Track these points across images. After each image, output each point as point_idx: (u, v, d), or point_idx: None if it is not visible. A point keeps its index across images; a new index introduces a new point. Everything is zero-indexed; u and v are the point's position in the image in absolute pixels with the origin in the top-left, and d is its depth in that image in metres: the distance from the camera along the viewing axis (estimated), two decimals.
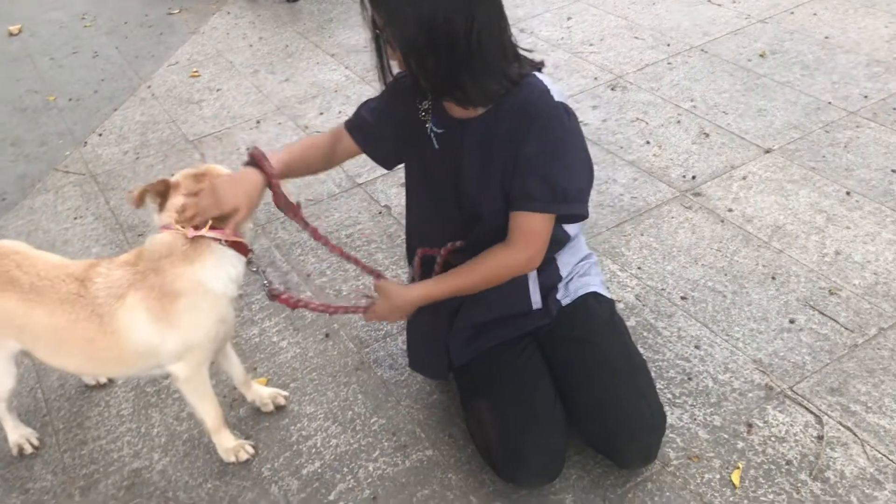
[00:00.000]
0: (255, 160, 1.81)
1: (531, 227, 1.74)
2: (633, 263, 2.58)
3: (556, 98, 1.68)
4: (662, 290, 2.46)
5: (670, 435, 2.03)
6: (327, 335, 2.49)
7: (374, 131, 1.95)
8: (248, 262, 1.89)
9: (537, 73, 1.73)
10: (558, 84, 1.74)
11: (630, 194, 2.90)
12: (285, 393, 2.28)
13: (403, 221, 2.68)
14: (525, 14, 4.46)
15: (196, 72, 4.33)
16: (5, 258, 1.89)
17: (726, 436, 2.01)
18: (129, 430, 2.24)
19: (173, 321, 1.80)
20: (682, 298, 2.42)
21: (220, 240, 1.78)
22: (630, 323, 2.35)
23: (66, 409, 2.33)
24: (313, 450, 2.14)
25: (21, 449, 2.20)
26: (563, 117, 1.68)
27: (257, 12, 5.13)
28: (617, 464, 1.93)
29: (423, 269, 2.03)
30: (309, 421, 2.21)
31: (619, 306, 2.41)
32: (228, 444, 2.09)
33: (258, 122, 3.76)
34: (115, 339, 1.80)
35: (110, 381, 2.41)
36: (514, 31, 1.68)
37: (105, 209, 3.28)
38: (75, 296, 1.80)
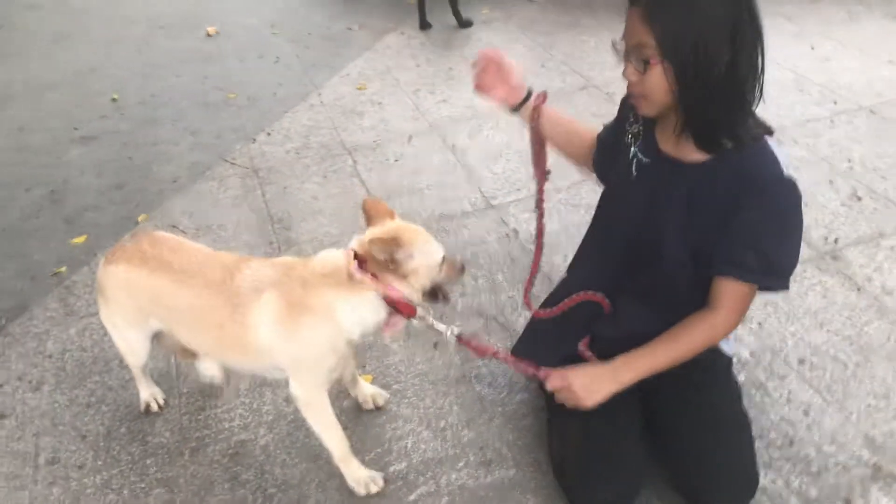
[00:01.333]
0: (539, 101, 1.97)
1: (738, 293, 1.73)
2: (754, 319, 2.50)
3: (785, 171, 1.64)
4: (780, 350, 2.38)
5: (760, 497, 1.96)
6: (436, 345, 2.58)
7: (606, 147, 1.98)
8: (416, 317, 1.89)
9: (767, 138, 1.68)
10: (784, 151, 1.71)
11: None
12: (386, 395, 2.38)
13: (529, 246, 2.75)
14: None
15: (363, 85, 4.59)
16: (161, 244, 2.06)
17: None
18: (242, 404, 2.42)
19: (292, 331, 1.86)
20: (800, 362, 2.33)
21: (375, 290, 1.82)
22: (739, 378, 2.29)
23: (193, 378, 2.54)
24: (403, 450, 2.23)
25: (148, 406, 2.42)
26: (791, 193, 1.64)
27: (430, 35, 5.36)
28: None
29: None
30: (404, 422, 2.31)
31: (732, 361, 2.35)
32: (359, 475, 2.10)
33: (410, 137, 3.93)
34: (242, 330, 1.89)
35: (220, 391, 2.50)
36: None
37: (260, 201, 3.55)
38: (220, 283, 1.92)
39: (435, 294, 1.93)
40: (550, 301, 2.19)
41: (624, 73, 1.63)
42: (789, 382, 2.27)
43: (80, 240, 3.48)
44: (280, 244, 3.22)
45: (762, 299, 2.58)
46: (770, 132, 1.68)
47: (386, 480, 2.12)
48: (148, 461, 2.22)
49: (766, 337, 2.43)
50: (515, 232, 3.10)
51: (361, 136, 4.01)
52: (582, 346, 2.00)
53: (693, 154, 1.70)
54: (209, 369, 2.23)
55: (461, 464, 2.17)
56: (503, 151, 3.64)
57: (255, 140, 4.12)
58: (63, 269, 3.29)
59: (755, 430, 2.10)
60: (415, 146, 3.85)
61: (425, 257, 1.86)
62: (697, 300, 1.81)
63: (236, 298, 1.89)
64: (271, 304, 1.86)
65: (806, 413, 2.17)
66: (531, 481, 2.08)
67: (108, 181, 3.93)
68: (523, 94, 1.99)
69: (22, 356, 2.82)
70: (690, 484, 1.87)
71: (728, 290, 1.74)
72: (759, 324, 2.49)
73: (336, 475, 2.14)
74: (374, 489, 2.09)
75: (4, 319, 3.04)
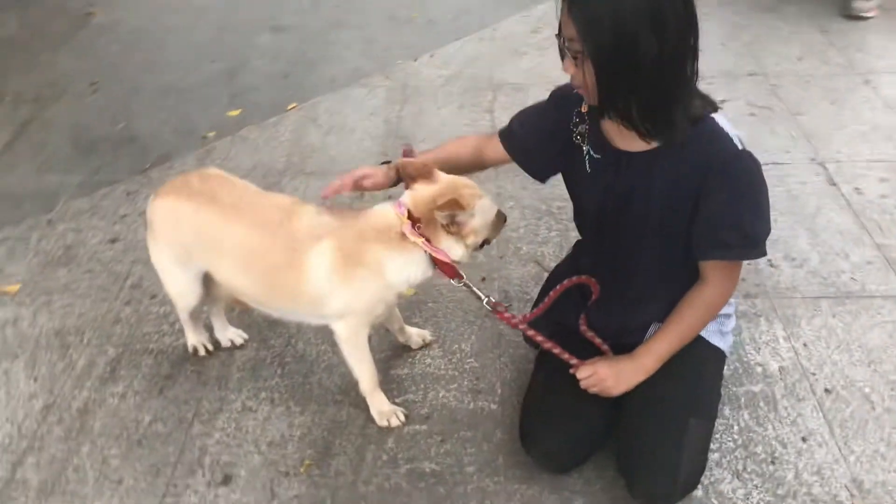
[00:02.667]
0: (403, 155, 2.02)
1: (724, 269, 1.83)
2: (801, 338, 2.39)
3: (739, 144, 1.69)
4: (812, 374, 2.27)
5: (713, 499, 1.95)
6: (483, 279, 2.69)
7: (525, 142, 2.04)
8: (457, 280, 1.96)
9: (714, 115, 1.72)
10: (726, 121, 1.73)
11: (852, 275, 2.64)
12: (429, 335, 2.46)
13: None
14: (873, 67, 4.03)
15: (539, 28, 4.62)
16: (211, 179, 2.07)
17: None
18: None
19: (345, 282, 1.90)
20: (826, 391, 2.22)
21: (425, 250, 1.89)
22: (755, 388, 2.23)
23: None
24: (409, 359, 2.39)
25: (196, 350, 2.43)
26: (751, 165, 1.71)
27: None
28: (629, 492, 1.90)
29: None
30: None
31: (757, 370, 2.28)
32: (382, 408, 2.16)
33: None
34: (297, 275, 1.91)
35: (240, 347, 2.48)
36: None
37: (395, 116, 3.76)
38: (275, 224, 1.94)
39: (481, 245, 2.01)
40: (541, 294, 2.24)
41: (564, 68, 1.67)
42: (804, 407, 2.17)
43: (234, 112, 3.88)
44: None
45: (823, 322, 2.44)
46: (715, 108, 1.71)
47: (407, 416, 2.19)
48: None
49: (804, 358, 2.32)
50: None
51: (511, 76, 4.07)
52: (583, 326, 2.03)
53: (642, 143, 1.73)
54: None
55: (454, 386, 2.30)
56: None
57: (416, 59, 4.32)
58: (212, 134, 3.71)
59: (743, 441, 2.06)
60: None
61: (484, 215, 1.92)
62: (675, 280, 1.89)
63: (293, 242, 1.91)
64: (329, 252, 1.88)
65: (804, 439, 2.08)
66: (507, 419, 2.17)
67: (278, 69, 4.31)
68: (392, 175, 2.02)
69: (128, 201, 3.24)
70: (624, 461, 1.89)
71: (714, 268, 1.82)
72: (805, 344, 2.37)
73: (341, 363, 2.30)
74: (395, 422, 2.15)
75: (150, 164, 3.49)
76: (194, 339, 2.42)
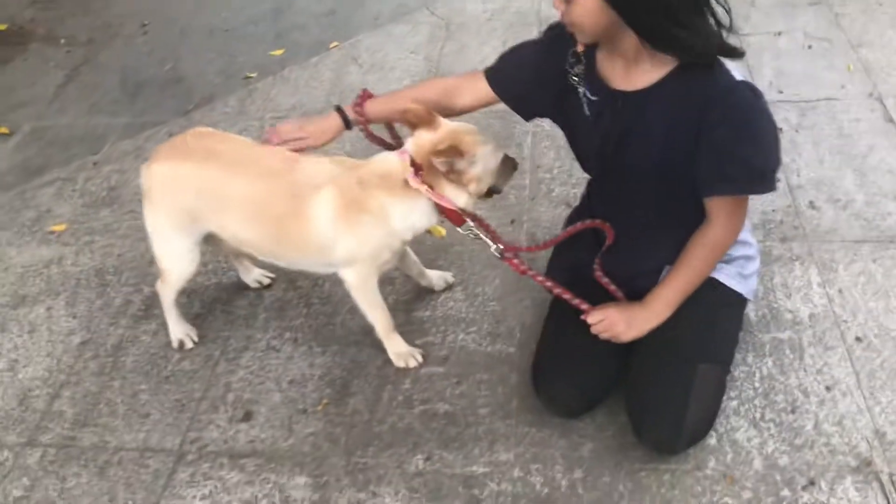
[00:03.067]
0: (359, 101, 2.02)
1: (730, 206, 1.77)
2: (837, 284, 2.30)
3: (737, 76, 1.64)
4: (845, 321, 2.19)
5: (726, 447, 1.91)
6: (512, 222, 2.66)
7: (516, 82, 1.94)
8: (464, 227, 1.93)
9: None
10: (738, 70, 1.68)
11: None
12: (451, 276, 2.45)
13: None
14: None
15: None
16: (205, 137, 2.05)
17: (778, 478, 1.84)
18: None
19: (348, 228, 1.90)
20: (857, 339, 2.14)
21: (429, 198, 1.86)
22: (782, 335, 2.16)
23: None
24: (431, 301, 2.40)
25: (182, 343, 2.33)
26: (749, 96, 1.65)
27: None
28: (637, 438, 1.89)
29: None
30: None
31: (786, 316, 2.21)
32: (399, 349, 2.17)
33: None
34: (301, 224, 1.91)
35: (268, 287, 2.51)
36: None
37: (436, 53, 3.70)
38: (278, 174, 1.92)
39: (489, 192, 1.98)
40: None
41: (553, 4, 1.60)
42: (832, 356, 2.10)
43: (278, 52, 3.89)
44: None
45: (861, 268, 2.34)
46: (739, 54, 1.63)
47: (424, 356, 2.20)
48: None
49: (838, 305, 2.23)
50: None
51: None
52: (598, 272, 1.99)
53: (643, 79, 1.68)
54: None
55: (474, 328, 2.30)
56: None
57: None
58: (254, 74, 3.73)
59: (763, 390, 2.01)
60: None
61: (486, 162, 1.88)
62: (683, 222, 1.85)
63: (296, 190, 1.90)
64: (330, 200, 1.88)
65: (828, 388, 2.01)
66: (523, 363, 2.16)
67: (324, 7, 4.28)
68: (340, 124, 2.02)
69: None
70: (632, 408, 1.87)
71: (719, 205, 1.76)
72: (840, 290, 2.28)
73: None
74: (412, 363, 2.16)
75: (193, 105, 3.54)
76: (179, 331, 2.33)
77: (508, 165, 1.97)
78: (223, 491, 1.96)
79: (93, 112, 3.61)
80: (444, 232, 2.62)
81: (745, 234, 1.99)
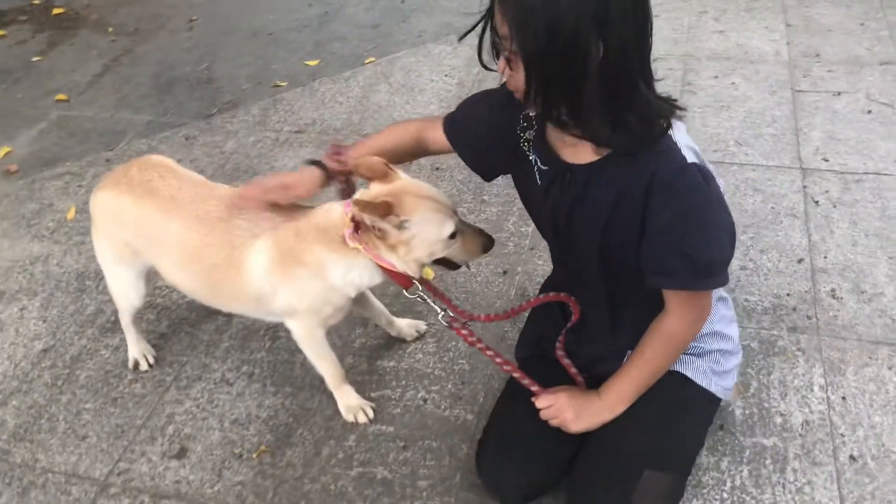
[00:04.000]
0: (331, 152, 1.80)
1: (681, 298, 1.59)
2: (841, 389, 2.06)
3: (689, 157, 1.44)
4: (841, 435, 1.95)
5: None
6: (505, 273, 2.50)
7: (471, 137, 1.77)
8: (410, 291, 1.80)
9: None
10: (683, 132, 1.48)
11: None
12: (424, 325, 2.31)
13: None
14: None
15: None
16: (150, 170, 1.92)
17: None
18: None
19: (283, 281, 1.78)
20: (851, 458, 1.90)
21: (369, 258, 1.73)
22: (767, 442, 1.94)
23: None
24: (398, 352, 2.27)
25: (137, 364, 2.27)
26: (700, 182, 1.44)
27: None
28: None
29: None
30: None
31: (775, 420, 1.99)
32: (350, 402, 2.07)
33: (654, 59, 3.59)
34: (237, 274, 1.80)
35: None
36: None
37: (470, 80, 3.55)
38: (216, 219, 1.80)
39: (446, 264, 1.81)
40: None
41: (498, 69, 1.42)
42: (817, 474, 1.87)
43: (312, 62, 3.81)
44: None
45: (876, 372, 2.10)
46: (679, 116, 1.44)
47: (374, 410, 2.08)
48: None
49: (838, 414, 2.00)
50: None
51: None
52: (559, 351, 1.84)
53: (590, 152, 1.50)
54: None
55: (436, 387, 2.16)
56: (732, 105, 3.21)
57: None
58: (284, 83, 3.66)
59: (732, 498, 1.83)
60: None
61: (424, 231, 1.68)
62: (642, 305, 1.67)
63: (232, 238, 1.79)
64: (266, 251, 1.77)
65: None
66: (477, 433, 2.00)
67: (370, 18, 4.19)
68: (319, 178, 1.78)
69: (204, 145, 3.25)
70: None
71: (671, 296, 1.59)
72: (844, 397, 2.04)
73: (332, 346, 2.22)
74: (361, 419, 2.05)
75: (216, 110, 3.49)
76: (135, 350, 2.27)
77: (474, 241, 1.78)
78: None
79: (120, 106, 3.60)
80: (432, 274, 2.48)
81: (722, 326, 1.80)
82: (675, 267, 1.49)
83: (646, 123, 1.40)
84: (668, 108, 1.42)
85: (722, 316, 1.80)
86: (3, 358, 2.35)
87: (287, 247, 1.76)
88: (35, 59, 4.06)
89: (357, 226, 1.70)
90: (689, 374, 1.74)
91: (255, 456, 2.01)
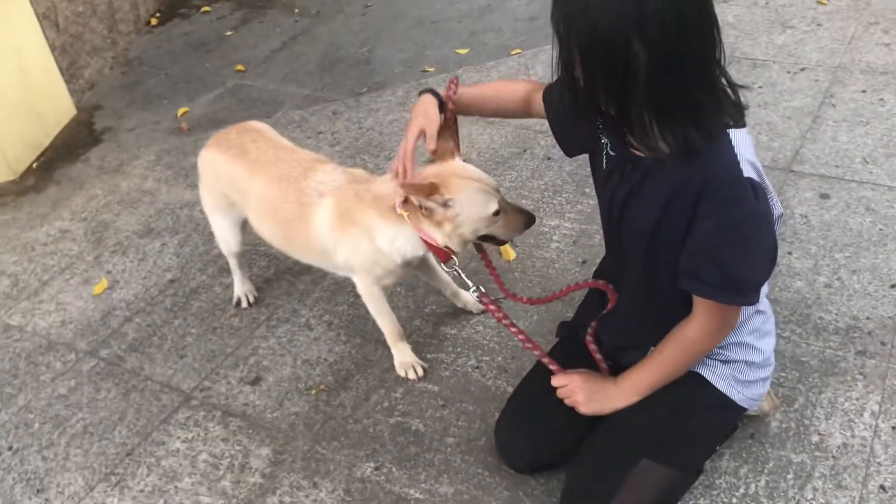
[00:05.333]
0: (449, 87, 1.90)
1: (707, 306, 1.61)
2: (894, 419, 1.98)
3: (746, 171, 1.48)
4: (878, 463, 1.88)
5: None
6: (584, 262, 2.57)
7: (560, 113, 1.81)
8: (449, 264, 1.95)
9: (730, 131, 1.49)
10: (748, 146, 1.47)
11: None
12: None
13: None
14: None
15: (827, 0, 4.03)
16: (246, 134, 2.23)
17: None
18: None
19: (340, 238, 2.01)
20: (881, 488, 1.83)
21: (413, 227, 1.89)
22: (795, 457, 1.90)
23: None
24: (462, 322, 2.42)
25: (239, 301, 2.57)
26: (750, 197, 1.47)
27: None
28: None
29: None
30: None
31: (812, 438, 1.95)
32: (404, 359, 2.23)
33: (802, 69, 3.46)
34: (305, 228, 2.05)
35: None
36: None
37: None
38: (293, 179, 2.06)
39: (491, 240, 1.96)
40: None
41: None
42: (839, 498, 1.80)
43: (463, 51, 4.02)
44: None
45: None
46: (739, 122, 1.46)
47: (426, 370, 2.24)
48: None
49: (881, 443, 1.91)
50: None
51: (759, 51, 3.64)
52: (588, 336, 1.91)
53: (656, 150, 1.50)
54: None
55: (487, 358, 2.29)
56: (872, 121, 3.04)
57: None
58: (432, 69, 3.89)
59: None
60: (791, 78, 3.39)
61: (469, 209, 1.84)
62: (672, 305, 1.69)
63: (304, 197, 2.03)
64: (329, 209, 1.99)
65: None
66: None
67: (529, 11, 4.31)
68: (436, 105, 1.86)
69: (347, 120, 3.55)
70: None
71: (699, 302, 1.61)
72: (894, 428, 1.96)
73: (406, 307, 2.45)
74: (412, 375, 2.22)
75: (365, 89, 3.79)
76: (240, 289, 2.57)
77: (517, 219, 1.92)
78: (201, 440, 2.17)
79: (286, 80, 3.99)
80: (513, 255, 2.61)
81: (753, 339, 1.77)
82: (706, 275, 1.52)
83: (700, 130, 1.41)
84: (738, 114, 1.45)
85: (755, 329, 1.77)
86: (139, 281, 2.76)
87: (346, 207, 1.98)
88: (228, 33, 4.58)
89: (406, 199, 1.88)
90: (709, 377, 1.75)
91: (313, 393, 2.25)
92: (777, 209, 1.62)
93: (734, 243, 1.49)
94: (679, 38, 1.32)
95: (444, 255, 1.93)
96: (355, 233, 1.98)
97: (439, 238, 1.88)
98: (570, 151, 1.94)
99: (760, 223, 1.49)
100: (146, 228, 3.03)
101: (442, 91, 1.91)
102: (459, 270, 1.96)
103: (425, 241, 1.91)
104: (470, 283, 1.95)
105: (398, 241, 1.95)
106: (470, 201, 1.84)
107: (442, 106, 1.88)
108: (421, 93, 1.92)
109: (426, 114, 1.86)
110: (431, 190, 1.79)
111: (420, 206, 1.83)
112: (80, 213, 3.22)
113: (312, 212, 2.03)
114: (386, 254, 1.98)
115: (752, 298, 1.56)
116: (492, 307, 1.93)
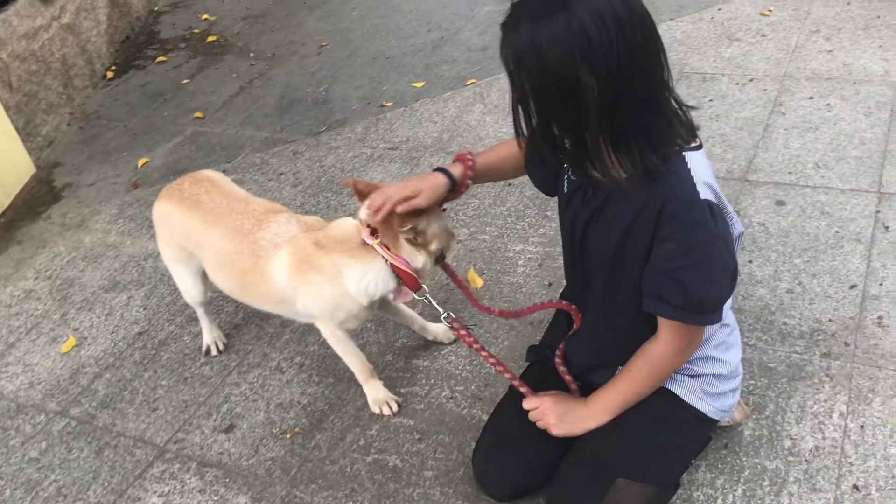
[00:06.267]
0: (454, 162, 1.88)
1: (672, 326, 1.64)
2: (862, 418, 2.00)
3: (703, 193, 1.51)
4: (850, 463, 1.90)
5: None
6: (550, 285, 2.60)
7: (538, 160, 1.83)
8: (419, 293, 2.00)
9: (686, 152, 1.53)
10: (705, 166, 1.52)
11: None
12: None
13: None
14: None
15: (769, 11, 4.13)
16: (199, 184, 2.23)
17: None
18: None
19: (299, 287, 2.01)
20: (854, 487, 1.86)
21: (385, 258, 1.92)
22: (769, 463, 1.93)
23: None
24: (434, 354, 2.43)
25: (209, 349, 2.56)
26: (708, 220, 1.51)
27: None
28: None
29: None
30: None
31: (784, 443, 1.97)
32: (377, 395, 2.24)
33: (750, 80, 3.54)
34: (262, 280, 2.06)
35: None
36: None
37: None
38: (247, 231, 2.07)
39: (440, 257, 2.01)
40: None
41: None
42: (814, 501, 1.84)
43: (419, 84, 4.06)
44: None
45: None
46: (691, 141, 1.50)
47: (400, 405, 2.25)
48: None
49: (851, 442, 1.94)
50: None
51: (707, 65, 3.72)
52: (557, 358, 1.93)
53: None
54: None
55: (461, 388, 2.30)
56: (820, 127, 3.11)
57: None
58: (390, 104, 3.92)
59: None
60: (740, 90, 3.47)
61: (438, 223, 1.92)
62: (637, 325, 1.72)
63: (259, 250, 2.04)
64: (286, 259, 2.00)
65: None
66: None
67: (481, 42, 4.37)
68: (446, 182, 1.84)
69: (308, 160, 3.57)
70: None
71: (664, 322, 1.64)
72: (863, 426, 1.98)
73: (377, 343, 2.43)
74: (386, 411, 2.22)
75: (324, 128, 3.81)
76: (209, 337, 2.56)
77: (450, 232, 2.01)
78: (178, 493, 2.15)
79: (245, 123, 4.00)
80: (480, 282, 2.63)
81: (718, 352, 1.80)
82: (669, 296, 1.55)
83: (656, 152, 1.45)
84: (690, 135, 1.50)
85: (720, 342, 1.80)
86: (107, 336, 2.73)
87: (305, 255, 1.99)
88: (185, 81, 4.59)
89: (373, 231, 1.90)
90: (679, 392, 1.78)
91: (288, 436, 2.24)
92: (737, 228, 1.66)
93: (695, 265, 1.52)
94: (628, 67, 1.36)
95: (415, 283, 1.95)
96: (316, 280, 1.99)
97: (420, 260, 1.92)
98: (546, 189, 1.93)
99: (718, 244, 1.52)
100: (111, 282, 3.01)
101: (457, 169, 1.86)
102: (430, 297, 1.98)
103: (397, 271, 1.93)
104: (440, 310, 1.97)
105: (367, 277, 1.96)
106: (436, 217, 1.91)
107: (453, 183, 1.85)
108: (435, 170, 1.87)
109: (426, 193, 1.82)
110: (419, 214, 1.83)
111: (415, 236, 1.85)
112: (44, 271, 3.19)
113: (268, 263, 2.04)
114: (351, 295, 1.99)
115: (716, 317, 1.59)
116: (462, 332, 1.94)
